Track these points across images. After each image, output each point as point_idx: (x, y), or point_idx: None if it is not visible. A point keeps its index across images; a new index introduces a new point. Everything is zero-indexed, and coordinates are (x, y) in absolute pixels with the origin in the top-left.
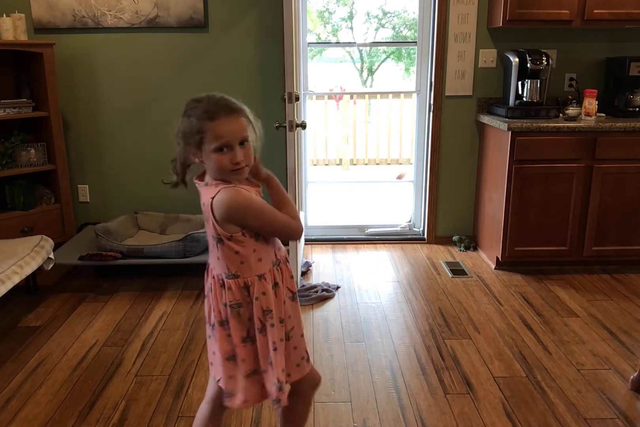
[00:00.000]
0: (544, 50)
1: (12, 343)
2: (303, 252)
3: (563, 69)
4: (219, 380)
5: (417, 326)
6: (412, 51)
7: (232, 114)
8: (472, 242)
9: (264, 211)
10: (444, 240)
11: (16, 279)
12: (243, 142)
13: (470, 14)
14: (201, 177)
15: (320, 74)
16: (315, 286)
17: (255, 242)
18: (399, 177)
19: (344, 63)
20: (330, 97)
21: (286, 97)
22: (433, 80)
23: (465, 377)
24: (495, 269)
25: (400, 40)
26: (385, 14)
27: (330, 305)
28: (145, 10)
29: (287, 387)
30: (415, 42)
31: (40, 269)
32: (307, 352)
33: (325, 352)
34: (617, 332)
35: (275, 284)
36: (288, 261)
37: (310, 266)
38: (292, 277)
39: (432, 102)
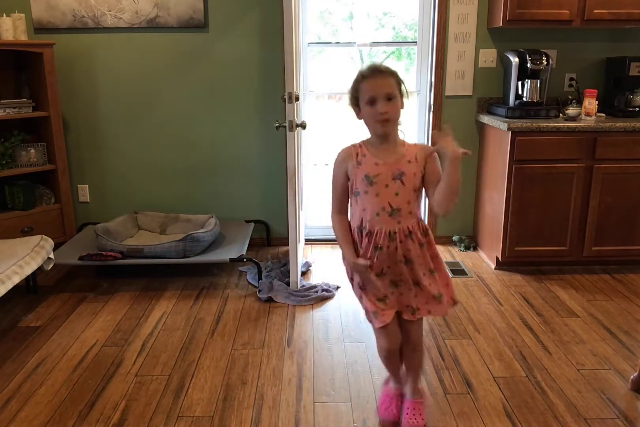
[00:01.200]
0: (544, 50)
1: (12, 343)
2: (303, 252)
3: (563, 69)
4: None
5: None
6: (412, 51)
7: (378, 74)
8: (472, 242)
9: (332, 180)
10: (444, 240)
11: (16, 279)
12: (389, 98)
13: (470, 14)
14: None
15: (320, 74)
16: (315, 286)
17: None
18: None
19: (344, 63)
20: (330, 97)
21: (286, 97)
22: (433, 80)
23: (465, 377)
24: (495, 269)
25: (400, 40)
26: (385, 14)
27: (330, 305)
28: (145, 10)
29: None
30: (415, 42)
31: (40, 269)
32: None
33: (325, 352)
34: (617, 332)
35: None
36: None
37: (310, 266)
38: None
39: (432, 102)
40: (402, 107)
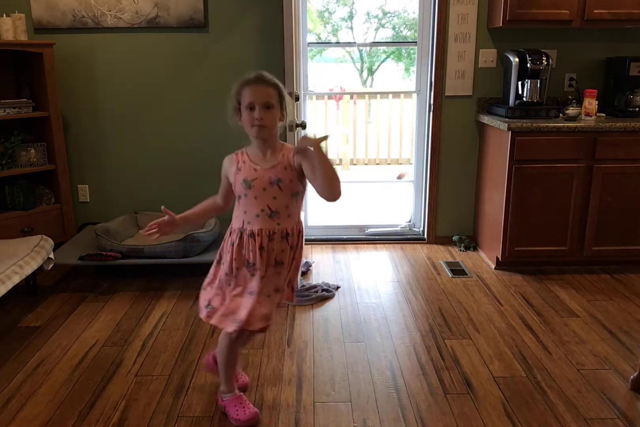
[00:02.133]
0: (544, 50)
1: (12, 343)
2: (303, 252)
3: (563, 69)
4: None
5: (417, 326)
6: (412, 51)
7: (261, 82)
8: (472, 242)
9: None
10: (444, 240)
11: (16, 279)
12: (268, 106)
13: (470, 14)
14: None
15: (320, 74)
16: (315, 286)
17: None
18: (400, 177)
19: (344, 63)
20: (330, 97)
21: None
22: (433, 80)
23: (465, 377)
24: (495, 269)
25: (400, 40)
26: (385, 14)
27: (330, 305)
28: (145, 10)
29: None
30: (415, 42)
31: (40, 269)
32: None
33: (325, 352)
34: (617, 332)
35: None
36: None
37: (310, 266)
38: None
39: (432, 102)
40: (281, 120)
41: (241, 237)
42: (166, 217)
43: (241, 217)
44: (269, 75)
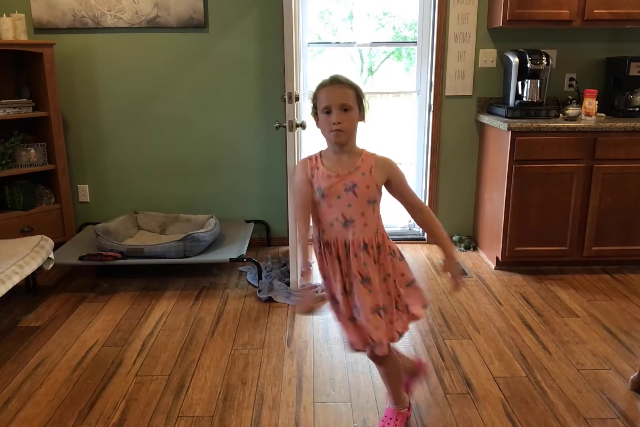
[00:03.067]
0: (544, 50)
1: (12, 343)
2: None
3: (563, 69)
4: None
5: (417, 326)
6: (412, 51)
7: (337, 84)
8: (472, 242)
9: (293, 190)
10: None
11: (16, 279)
12: (345, 109)
13: (470, 14)
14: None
15: (320, 74)
16: (315, 286)
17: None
18: None
19: (344, 63)
20: None
21: (286, 97)
22: (433, 80)
23: (465, 377)
24: (495, 269)
25: (400, 40)
26: (385, 14)
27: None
28: (145, 10)
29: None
30: (415, 42)
31: (40, 269)
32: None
33: (325, 352)
34: (617, 332)
35: None
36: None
37: (311, 265)
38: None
39: (432, 102)
40: (361, 120)
41: (319, 246)
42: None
43: (317, 225)
44: (345, 76)
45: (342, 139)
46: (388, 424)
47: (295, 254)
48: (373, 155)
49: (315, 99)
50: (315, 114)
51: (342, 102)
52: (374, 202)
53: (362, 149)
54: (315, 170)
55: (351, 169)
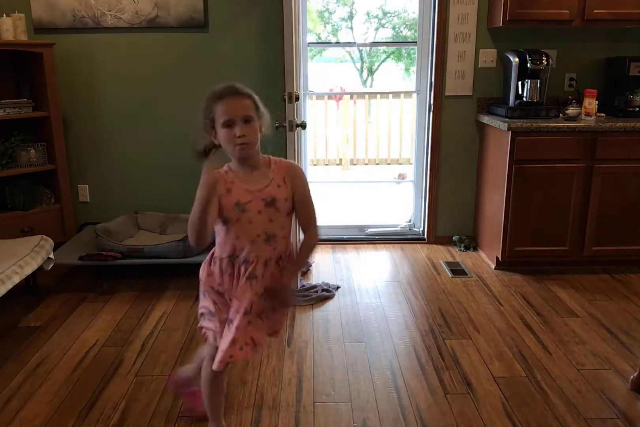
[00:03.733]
0: (544, 50)
1: (12, 343)
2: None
3: (563, 69)
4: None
5: (417, 326)
6: (412, 51)
7: (236, 95)
8: (472, 242)
9: (196, 198)
10: (444, 240)
11: (16, 279)
12: (247, 120)
13: (470, 14)
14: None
15: (320, 74)
16: (315, 286)
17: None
18: (400, 178)
19: (344, 63)
20: (330, 97)
21: (286, 97)
22: (433, 80)
23: (465, 377)
24: (495, 269)
25: (400, 40)
26: (385, 14)
27: (330, 305)
28: (145, 10)
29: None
30: (415, 42)
31: (40, 269)
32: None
33: (325, 352)
34: (617, 332)
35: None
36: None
37: (310, 266)
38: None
39: (432, 102)
40: (260, 131)
41: (232, 266)
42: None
43: (231, 244)
44: (240, 85)
45: (248, 151)
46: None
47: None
48: (280, 161)
49: (210, 111)
50: (211, 127)
51: (244, 114)
52: (291, 212)
53: (268, 157)
54: (231, 184)
55: (267, 182)
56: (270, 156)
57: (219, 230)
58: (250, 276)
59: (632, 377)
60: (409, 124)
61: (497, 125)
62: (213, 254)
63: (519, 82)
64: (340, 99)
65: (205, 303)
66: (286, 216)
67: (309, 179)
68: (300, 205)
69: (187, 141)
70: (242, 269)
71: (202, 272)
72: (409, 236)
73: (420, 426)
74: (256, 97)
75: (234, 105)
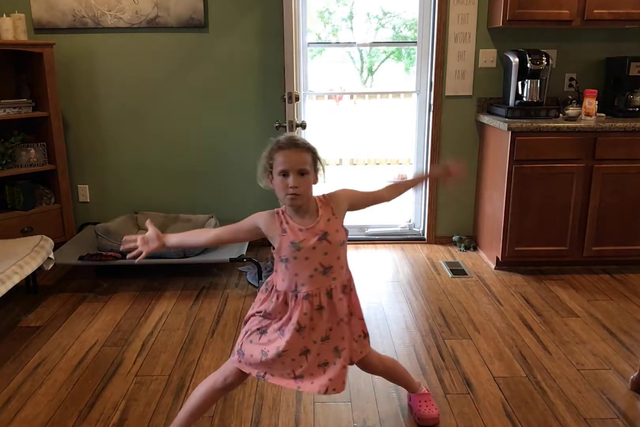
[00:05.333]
0: (544, 50)
1: (12, 343)
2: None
3: (563, 69)
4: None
5: (417, 326)
6: (412, 51)
7: (296, 147)
8: (472, 242)
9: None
10: (444, 240)
11: (16, 279)
12: (302, 173)
13: (470, 14)
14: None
15: (320, 74)
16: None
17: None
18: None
19: (344, 63)
20: (330, 97)
21: (286, 97)
22: (433, 80)
23: (465, 377)
24: (495, 269)
25: (400, 40)
26: (385, 14)
27: None
28: (145, 10)
29: None
30: (415, 42)
31: (40, 269)
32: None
33: None
34: (617, 332)
35: None
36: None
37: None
38: None
39: (432, 102)
40: (315, 183)
41: (296, 300)
42: (148, 232)
43: (292, 280)
44: (302, 138)
45: (298, 202)
46: (421, 406)
47: None
48: (324, 196)
49: (270, 159)
50: (269, 172)
51: (299, 168)
52: (344, 242)
53: (315, 198)
54: (286, 225)
55: (317, 218)
56: (318, 196)
57: (278, 266)
58: (319, 307)
59: (632, 377)
60: (409, 124)
61: (497, 125)
62: (269, 283)
63: (519, 82)
64: (340, 99)
65: (263, 324)
66: (340, 246)
67: None
68: (361, 200)
69: (187, 141)
70: (307, 303)
71: (260, 296)
72: (409, 236)
73: (421, 426)
74: (316, 151)
75: (292, 157)
